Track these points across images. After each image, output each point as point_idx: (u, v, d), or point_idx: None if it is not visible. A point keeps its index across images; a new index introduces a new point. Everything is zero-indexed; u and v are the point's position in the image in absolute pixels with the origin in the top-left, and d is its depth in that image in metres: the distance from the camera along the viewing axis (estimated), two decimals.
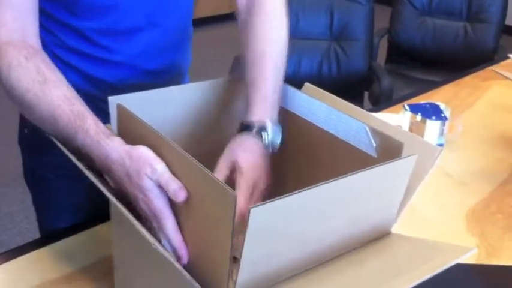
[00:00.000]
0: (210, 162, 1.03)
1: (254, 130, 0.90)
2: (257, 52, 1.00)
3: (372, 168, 0.71)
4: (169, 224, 0.70)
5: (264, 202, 0.60)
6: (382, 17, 3.08)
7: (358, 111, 0.95)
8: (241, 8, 1.08)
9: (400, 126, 1.31)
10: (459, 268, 1.00)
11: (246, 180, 0.84)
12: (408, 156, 0.76)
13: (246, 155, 0.87)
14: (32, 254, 0.98)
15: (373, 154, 0.86)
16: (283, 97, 1.00)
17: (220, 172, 0.86)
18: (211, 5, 4.63)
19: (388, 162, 0.73)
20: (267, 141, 0.90)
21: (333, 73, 2.51)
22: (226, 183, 0.67)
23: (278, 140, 0.93)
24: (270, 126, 0.91)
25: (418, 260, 0.77)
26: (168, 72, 1.13)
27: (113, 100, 0.88)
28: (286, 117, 1.01)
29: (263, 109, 0.93)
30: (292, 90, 1.01)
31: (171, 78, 1.14)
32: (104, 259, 0.96)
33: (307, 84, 1.05)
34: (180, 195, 0.68)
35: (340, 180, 0.67)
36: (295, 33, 2.48)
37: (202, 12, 4.46)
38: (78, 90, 0.87)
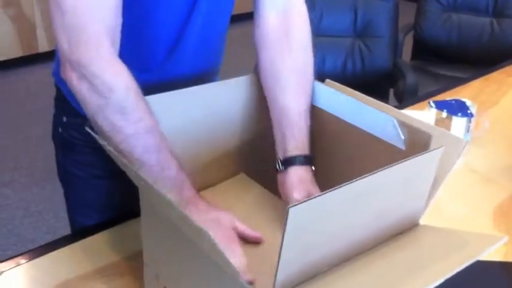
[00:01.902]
0: (238, 160, 1.05)
1: (300, 161, 0.97)
2: (282, 108, 1.01)
3: (402, 162, 0.72)
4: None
5: (301, 201, 0.62)
6: (407, 13, 3.06)
7: (381, 105, 0.95)
8: (266, 32, 1.05)
9: None
10: (486, 265, 1.00)
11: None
12: (435, 148, 0.77)
13: (308, 187, 0.96)
14: (63, 250, 1.00)
15: (402, 147, 0.86)
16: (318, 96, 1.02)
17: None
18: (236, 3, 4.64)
19: (416, 156, 0.74)
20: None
21: (358, 70, 2.50)
22: None
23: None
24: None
25: (449, 250, 0.77)
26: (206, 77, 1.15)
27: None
28: (313, 112, 1.01)
29: (305, 141, 0.99)
30: (317, 84, 1.02)
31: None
32: (132, 255, 0.97)
33: (328, 81, 1.06)
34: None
35: (373, 175, 0.68)
36: (319, 31, 2.48)
37: None
38: None
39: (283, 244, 0.63)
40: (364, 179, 0.67)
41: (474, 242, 0.77)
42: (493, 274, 1.01)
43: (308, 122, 0.99)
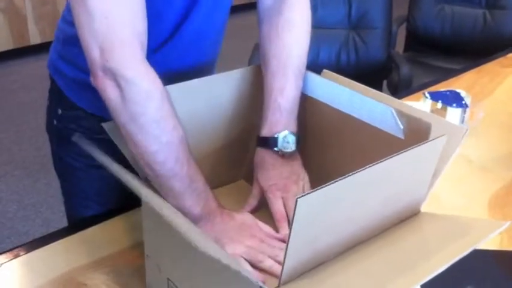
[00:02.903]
0: (239, 150, 1.05)
1: (268, 144, 0.98)
2: (278, 63, 1.01)
3: (407, 150, 0.72)
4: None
5: (309, 192, 0.62)
6: (401, 4, 3.06)
7: (379, 95, 0.96)
8: (267, 7, 1.07)
9: None
10: (481, 254, 1.01)
11: (274, 195, 0.97)
12: (438, 137, 0.77)
13: (267, 173, 0.99)
14: (62, 242, 1.00)
15: (401, 136, 0.87)
16: (305, 84, 1.02)
17: (254, 198, 1.01)
18: None
19: (420, 144, 0.74)
20: (281, 152, 0.98)
21: (352, 62, 2.51)
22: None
23: (293, 147, 0.98)
24: (282, 137, 0.98)
25: (452, 237, 0.78)
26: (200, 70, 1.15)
27: None
28: (309, 104, 1.02)
29: (276, 122, 0.98)
30: (313, 76, 1.02)
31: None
32: (132, 246, 0.98)
33: (325, 71, 1.06)
34: None
35: (379, 164, 0.69)
36: (314, 23, 2.45)
37: None
38: None
39: (291, 233, 0.63)
40: (371, 168, 0.68)
41: (476, 228, 0.78)
42: (489, 263, 1.02)
43: (284, 103, 0.98)
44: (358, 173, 0.67)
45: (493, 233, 0.77)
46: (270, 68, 1.01)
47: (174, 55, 1.06)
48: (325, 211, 0.67)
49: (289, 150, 0.98)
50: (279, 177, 0.98)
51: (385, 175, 0.72)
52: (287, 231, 0.95)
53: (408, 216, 0.83)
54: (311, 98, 1.01)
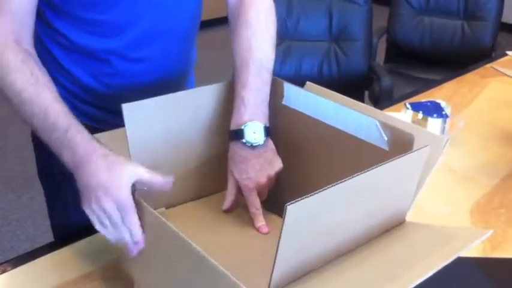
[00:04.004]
0: (223, 164, 1.06)
1: (236, 137, 0.99)
2: (241, 59, 1.04)
3: (391, 161, 0.74)
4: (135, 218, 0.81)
5: (299, 199, 0.64)
6: (380, 16, 3.10)
7: (363, 107, 0.98)
8: (231, 12, 1.11)
9: None
10: (464, 261, 1.02)
11: (248, 188, 0.99)
12: (421, 148, 0.79)
13: (240, 166, 1.00)
14: (50, 256, 1.00)
15: (385, 147, 0.89)
16: (289, 97, 1.03)
17: (230, 194, 1.03)
18: (213, 8, 4.63)
19: (404, 155, 0.76)
20: (249, 144, 0.99)
21: (334, 73, 2.53)
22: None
23: (261, 138, 0.99)
24: (247, 129, 0.98)
25: (437, 245, 0.79)
26: (173, 78, 1.17)
27: (127, 107, 0.91)
28: (294, 117, 1.03)
29: (241, 114, 0.99)
30: (296, 89, 1.03)
31: (176, 82, 1.18)
32: (119, 259, 0.98)
33: (308, 83, 1.08)
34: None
35: (363, 174, 0.71)
36: (296, 35, 2.51)
37: (205, 14, 4.46)
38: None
39: (281, 241, 0.65)
40: (358, 177, 0.70)
41: (459, 237, 0.80)
42: (471, 270, 1.03)
43: (248, 95, 1.00)
44: (346, 182, 0.68)
45: (476, 241, 0.79)
46: (235, 65, 1.04)
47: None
48: (314, 219, 0.68)
49: (258, 142, 0.98)
50: (252, 170, 0.99)
51: (371, 184, 0.74)
52: (263, 223, 1.00)
53: (393, 226, 0.85)
54: (295, 110, 1.03)
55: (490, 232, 0.79)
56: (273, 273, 0.67)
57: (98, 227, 0.83)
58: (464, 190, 1.27)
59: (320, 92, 1.03)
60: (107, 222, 0.82)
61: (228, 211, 1.04)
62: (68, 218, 1.17)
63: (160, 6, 1.07)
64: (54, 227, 1.27)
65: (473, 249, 1.06)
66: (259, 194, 1.00)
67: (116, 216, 0.81)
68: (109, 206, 0.80)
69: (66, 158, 0.85)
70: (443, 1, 2.88)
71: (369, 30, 2.54)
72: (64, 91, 1.10)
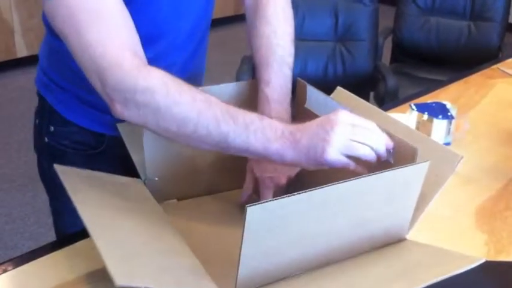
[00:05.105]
0: (240, 158, 1.06)
1: None
2: (261, 57, 1.04)
3: (380, 173, 0.73)
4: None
5: (259, 202, 0.64)
6: (386, 17, 3.09)
7: (383, 115, 0.96)
8: (248, 9, 1.11)
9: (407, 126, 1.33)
10: None
11: (267, 187, 0.99)
12: (420, 162, 0.77)
13: (263, 165, 0.99)
14: (51, 256, 1.00)
15: (390, 160, 0.87)
16: (311, 100, 1.03)
17: (248, 189, 1.04)
18: (216, 7, 4.65)
19: (398, 168, 0.75)
20: None
21: (339, 73, 2.53)
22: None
23: None
24: None
25: (423, 266, 0.78)
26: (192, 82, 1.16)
27: None
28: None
29: (265, 112, 0.99)
30: (319, 94, 1.01)
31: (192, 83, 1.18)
32: None
33: (339, 88, 1.07)
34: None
35: (343, 183, 0.69)
36: (301, 35, 2.50)
37: None
38: None
39: (243, 240, 0.65)
40: (332, 186, 0.68)
41: (452, 261, 0.79)
42: (475, 273, 1.02)
43: (271, 93, 1.00)
44: (317, 190, 0.67)
45: (464, 268, 0.77)
46: (256, 62, 1.04)
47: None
48: (280, 223, 0.67)
49: None
50: (273, 169, 0.98)
51: (357, 194, 0.72)
52: None
53: (390, 242, 0.83)
54: (316, 115, 1.02)
55: (482, 260, 0.79)
56: (238, 274, 0.67)
57: (361, 151, 0.79)
58: (469, 192, 1.26)
59: (348, 98, 1.02)
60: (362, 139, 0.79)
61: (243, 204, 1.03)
62: (72, 228, 1.17)
63: (187, 15, 1.07)
64: (57, 228, 1.27)
65: (478, 253, 1.05)
66: (275, 193, 0.99)
67: (365, 125, 0.80)
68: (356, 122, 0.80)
69: (276, 136, 0.81)
70: (450, 1, 2.87)
71: (374, 30, 2.53)
72: (80, 102, 1.09)
